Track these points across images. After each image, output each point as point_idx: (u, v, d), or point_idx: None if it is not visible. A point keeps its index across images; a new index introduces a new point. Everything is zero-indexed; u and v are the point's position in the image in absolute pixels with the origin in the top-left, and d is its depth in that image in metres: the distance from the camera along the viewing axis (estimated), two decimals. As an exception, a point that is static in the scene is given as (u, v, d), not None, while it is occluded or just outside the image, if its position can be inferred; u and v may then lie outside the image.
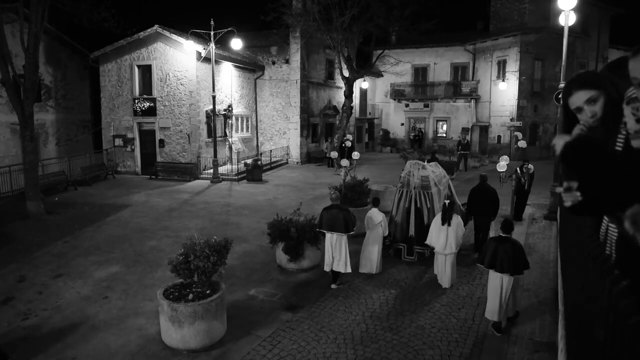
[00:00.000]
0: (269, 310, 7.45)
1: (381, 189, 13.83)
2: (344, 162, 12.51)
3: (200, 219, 13.57)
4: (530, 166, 12.70)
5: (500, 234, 6.83)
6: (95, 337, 6.63)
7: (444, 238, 8.28)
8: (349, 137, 27.36)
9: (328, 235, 8.28)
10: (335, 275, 8.36)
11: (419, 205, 9.60)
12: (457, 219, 8.39)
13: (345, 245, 8.23)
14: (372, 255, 8.94)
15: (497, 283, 6.59)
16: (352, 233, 8.30)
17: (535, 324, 6.89)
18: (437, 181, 9.89)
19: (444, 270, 8.32)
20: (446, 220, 8.29)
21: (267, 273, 9.15)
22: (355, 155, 14.31)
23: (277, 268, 9.37)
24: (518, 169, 12.69)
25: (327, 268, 8.35)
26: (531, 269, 9.11)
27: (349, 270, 8.27)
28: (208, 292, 6.47)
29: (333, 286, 8.32)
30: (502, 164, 12.48)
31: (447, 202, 8.63)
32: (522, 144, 15.95)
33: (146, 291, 8.23)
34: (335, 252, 8.20)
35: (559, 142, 1.59)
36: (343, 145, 24.97)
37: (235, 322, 6.93)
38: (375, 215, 8.96)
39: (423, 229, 9.30)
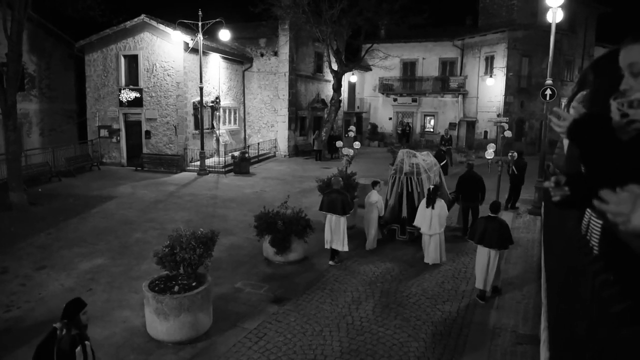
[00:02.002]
0: (255, 303, 7.44)
1: (369, 182, 13.83)
2: (346, 151, 12.87)
3: (186, 211, 13.48)
4: (515, 154, 13.56)
5: (489, 214, 7.59)
6: (79, 329, 6.56)
7: (428, 220, 9.11)
8: (352, 127, 27.84)
9: (328, 216, 9.11)
10: (333, 253, 9.20)
11: (410, 189, 10.51)
12: (440, 203, 9.22)
13: (344, 226, 9.08)
14: (369, 234, 10.01)
15: (484, 257, 7.40)
16: (348, 215, 9.20)
17: (519, 316, 6.99)
18: (427, 168, 10.78)
19: (427, 249, 9.16)
20: (430, 203, 9.12)
21: (253, 266, 9.14)
22: (357, 145, 14.91)
23: (264, 261, 9.36)
24: (506, 163, 13.19)
25: (327, 245, 9.21)
26: (515, 263, 9.30)
27: (346, 249, 9.16)
28: (194, 284, 6.44)
29: (330, 263, 9.15)
30: (490, 152, 13.40)
31: (431, 187, 9.48)
32: (508, 133, 16.54)
33: (131, 283, 8.17)
34: (334, 231, 9.03)
35: (568, 117, 1.61)
36: (347, 135, 25.30)
37: (222, 314, 6.92)
38: (373, 196, 9.95)
39: (414, 211, 10.02)
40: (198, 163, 20.43)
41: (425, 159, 11.06)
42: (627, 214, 1.13)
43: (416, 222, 9.50)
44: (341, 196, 9.14)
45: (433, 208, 9.06)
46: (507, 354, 5.95)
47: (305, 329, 6.55)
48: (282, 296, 7.69)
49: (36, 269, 8.84)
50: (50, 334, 4.16)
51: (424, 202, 9.34)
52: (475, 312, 7.19)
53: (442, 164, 15.47)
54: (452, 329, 6.63)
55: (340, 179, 10.21)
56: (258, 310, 7.18)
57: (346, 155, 12.86)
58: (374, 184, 10.33)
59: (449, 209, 10.88)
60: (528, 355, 5.84)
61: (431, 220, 9.05)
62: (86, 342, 4.19)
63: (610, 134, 1.46)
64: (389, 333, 6.45)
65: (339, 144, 21.20)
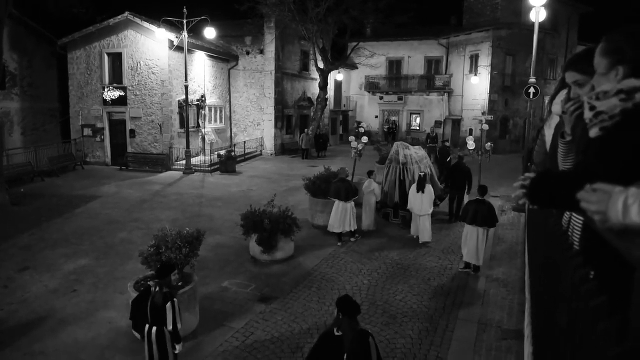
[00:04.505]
0: (242, 302, 7.42)
1: (355, 180, 13.91)
2: (355, 145, 13.42)
3: (172, 210, 13.38)
4: (492, 145, 15.00)
5: (478, 197, 8.72)
6: (64, 331, 6.49)
7: (419, 203, 10.35)
8: (364, 124, 30.19)
9: (336, 202, 10.19)
10: (339, 235, 10.32)
11: (402, 178, 11.78)
12: (429, 188, 10.45)
13: (350, 210, 10.23)
14: (367, 217, 11.16)
15: (474, 235, 8.46)
16: (352, 202, 10.26)
17: (504, 312, 7.08)
18: (418, 160, 11.94)
19: (421, 228, 10.36)
20: (420, 188, 10.33)
21: (240, 265, 9.11)
22: (365, 139, 15.61)
23: (251, 260, 9.34)
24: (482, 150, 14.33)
25: (330, 229, 10.29)
26: (500, 259, 9.42)
27: (355, 227, 10.39)
28: (180, 284, 6.40)
29: (339, 244, 10.24)
30: (471, 143, 14.47)
31: (422, 174, 10.69)
32: (485, 127, 17.40)
33: (117, 284, 8.09)
34: (340, 215, 10.12)
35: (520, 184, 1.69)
36: (357, 131, 25.99)
37: (208, 314, 6.89)
38: (370, 184, 11.13)
39: (406, 197, 11.23)
40: (184, 162, 20.28)
41: (417, 152, 12.27)
42: (605, 212, 1.16)
43: (409, 206, 10.72)
44: (345, 184, 10.39)
45: (423, 192, 10.31)
46: (493, 349, 6.02)
47: (292, 328, 6.56)
48: (269, 295, 7.68)
49: (19, 271, 8.71)
50: (144, 291, 5.06)
51: (414, 187, 10.56)
52: (461, 308, 7.27)
53: (448, 159, 16.74)
54: (438, 325, 6.69)
55: (347, 169, 11.29)
56: (245, 309, 7.17)
57: (355, 149, 13.41)
58: (370, 173, 11.42)
59: (441, 200, 12.52)
60: (513, 351, 5.92)
61: (422, 202, 10.29)
62: (175, 300, 4.89)
63: (567, 187, 1.50)
64: (375, 330, 6.48)
65: (350, 138, 21.69)
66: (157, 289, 4.89)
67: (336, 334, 4.11)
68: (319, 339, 4.38)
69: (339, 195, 10.17)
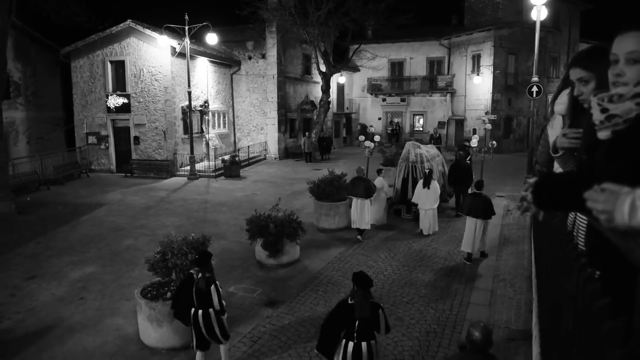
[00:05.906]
0: (248, 307, 7.42)
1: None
2: (368, 144, 13.80)
3: (177, 216, 13.42)
4: (494, 142, 16.08)
5: (475, 190, 9.39)
6: (72, 339, 6.51)
7: (424, 197, 10.95)
8: (373, 124, 31.60)
9: (354, 199, 10.61)
10: (360, 231, 10.68)
11: (414, 175, 12.37)
12: (434, 184, 11.02)
13: (367, 208, 10.61)
14: (378, 212, 11.77)
15: (472, 226, 9.02)
16: (371, 198, 10.74)
17: (511, 312, 7.05)
18: (430, 158, 12.49)
19: (425, 221, 10.99)
20: (426, 184, 10.94)
21: (246, 269, 9.11)
22: (377, 138, 16.07)
23: (257, 264, 9.34)
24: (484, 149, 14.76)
25: (353, 225, 10.77)
26: (506, 259, 9.40)
27: (368, 227, 10.77)
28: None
29: (359, 237, 10.67)
30: (474, 141, 15.00)
31: (427, 171, 11.36)
32: (488, 126, 17.66)
33: (123, 291, 8.11)
34: (359, 212, 10.51)
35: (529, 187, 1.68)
36: (367, 131, 26.39)
37: (215, 319, 6.88)
38: (379, 182, 11.76)
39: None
40: (188, 168, 20.34)
41: (429, 150, 12.95)
42: (611, 212, 1.16)
43: (414, 199, 11.34)
44: (364, 182, 10.79)
45: (428, 188, 10.88)
46: (501, 350, 5.99)
47: (299, 332, 6.55)
48: (275, 299, 7.68)
49: (26, 279, 8.75)
50: (185, 280, 5.51)
51: (420, 182, 11.19)
52: (468, 309, 7.24)
53: (467, 159, 16.70)
54: (445, 327, 6.67)
55: (363, 168, 11.84)
56: (252, 314, 7.17)
57: (368, 147, 14.04)
58: (379, 171, 12.15)
59: (451, 196, 13.28)
60: (521, 351, 5.89)
61: (427, 197, 10.87)
62: (217, 282, 5.31)
63: (571, 188, 1.49)
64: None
65: (361, 138, 21.98)
66: (200, 275, 5.24)
67: (349, 302, 4.71)
68: (335, 307, 4.93)
69: (358, 192, 10.53)
